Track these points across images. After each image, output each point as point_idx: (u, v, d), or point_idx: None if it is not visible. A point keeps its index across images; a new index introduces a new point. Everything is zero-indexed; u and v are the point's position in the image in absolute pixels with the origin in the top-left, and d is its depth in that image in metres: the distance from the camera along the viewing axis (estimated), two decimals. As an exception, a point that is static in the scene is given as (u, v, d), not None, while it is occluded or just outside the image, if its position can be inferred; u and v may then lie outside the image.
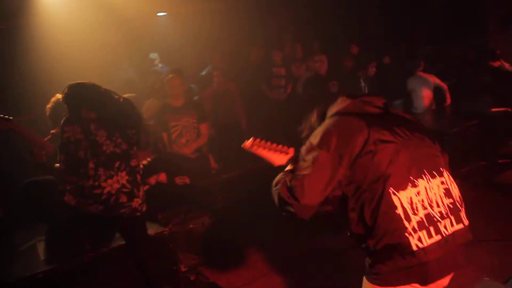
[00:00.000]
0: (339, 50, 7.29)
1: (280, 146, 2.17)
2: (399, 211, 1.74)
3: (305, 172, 1.81)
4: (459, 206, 1.86)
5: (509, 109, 5.72)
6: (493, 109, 5.74)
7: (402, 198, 1.75)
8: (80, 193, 3.05)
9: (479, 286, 2.61)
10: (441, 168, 1.88)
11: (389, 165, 1.77)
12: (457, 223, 1.81)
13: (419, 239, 1.72)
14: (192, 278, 3.96)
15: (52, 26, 5.77)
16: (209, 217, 4.56)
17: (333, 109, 1.99)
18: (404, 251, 1.72)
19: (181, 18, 8.07)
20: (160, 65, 8.09)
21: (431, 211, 1.77)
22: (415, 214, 1.74)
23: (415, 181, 1.78)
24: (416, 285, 1.78)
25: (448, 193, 1.84)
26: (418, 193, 1.77)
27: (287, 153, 2.15)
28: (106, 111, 3.06)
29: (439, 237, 1.75)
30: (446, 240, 1.76)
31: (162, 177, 4.34)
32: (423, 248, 1.72)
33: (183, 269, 3.91)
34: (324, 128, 1.89)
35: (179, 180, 4.51)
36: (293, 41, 7.84)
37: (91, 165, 3.02)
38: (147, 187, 3.66)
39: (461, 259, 1.84)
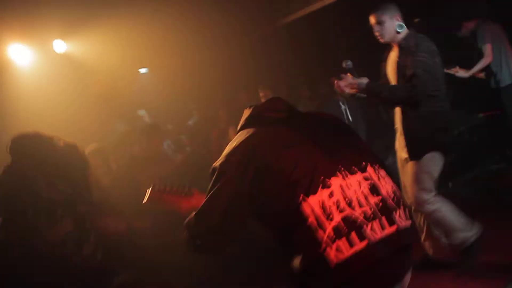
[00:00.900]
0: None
1: (183, 188, 1.95)
2: (312, 219, 1.46)
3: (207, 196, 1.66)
4: (392, 204, 1.55)
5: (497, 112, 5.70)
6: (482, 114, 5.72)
7: (313, 203, 1.47)
8: None
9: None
10: (364, 163, 1.60)
11: (294, 171, 1.54)
12: (390, 224, 1.49)
13: (338, 249, 1.42)
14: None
15: (35, 92, 5.81)
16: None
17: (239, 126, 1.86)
18: (320, 269, 1.44)
19: (163, 72, 8.21)
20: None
21: (351, 212, 1.47)
22: (330, 220, 1.45)
23: (327, 180, 1.51)
24: None
25: (374, 190, 1.54)
26: (332, 193, 1.49)
27: (191, 195, 1.94)
28: (47, 160, 2.95)
29: (364, 243, 1.43)
30: (376, 246, 1.44)
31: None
32: (346, 259, 1.42)
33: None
34: (227, 148, 1.73)
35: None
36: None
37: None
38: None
39: (400, 268, 1.55)
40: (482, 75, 5.41)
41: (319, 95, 6.44)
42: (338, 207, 1.46)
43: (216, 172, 1.66)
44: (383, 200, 1.53)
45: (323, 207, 1.46)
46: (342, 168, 1.55)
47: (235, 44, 8.09)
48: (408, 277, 1.58)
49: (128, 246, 3.67)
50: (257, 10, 7.23)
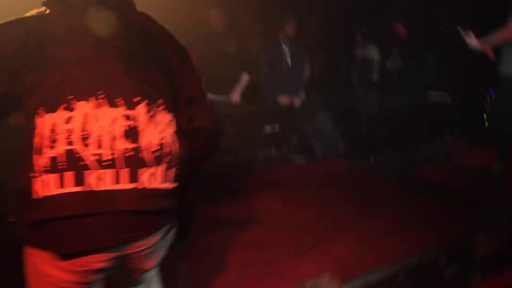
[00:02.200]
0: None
1: None
2: (37, 140, 1.18)
3: None
4: (148, 158, 1.25)
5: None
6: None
7: (46, 123, 1.18)
8: None
9: (313, 281, 2.22)
10: (138, 98, 1.26)
11: (54, 72, 1.20)
12: (130, 180, 1.21)
13: (45, 184, 1.16)
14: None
15: None
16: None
17: None
18: (27, 198, 1.18)
19: None
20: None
21: (81, 149, 1.18)
22: (51, 147, 1.17)
23: (73, 102, 1.19)
24: (51, 254, 1.21)
25: (132, 134, 1.23)
26: (69, 119, 1.18)
27: None
28: None
29: (78, 188, 1.16)
30: (94, 197, 1.17)
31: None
32: (49, 197, 1.15)
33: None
34: None
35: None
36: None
37: None
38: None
39: (119, 232, 1.23)
40: (492, 55, 4.35)
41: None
42: (68, 137, 1.17)
43: None
44: (136, 150, 1.23)
45: (52, 131, 1.18)
46: (101, 95, 1.22)
47: None
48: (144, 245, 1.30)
49: None
50: None
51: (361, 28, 6.28)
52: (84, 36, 1.25)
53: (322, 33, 6.30)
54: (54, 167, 1.16)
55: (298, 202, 3.79)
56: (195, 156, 1.46)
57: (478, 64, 5.13)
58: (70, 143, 1.17)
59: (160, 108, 1.30)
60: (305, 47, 5.24)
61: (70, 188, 1.16)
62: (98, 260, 1.22)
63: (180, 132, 1.36)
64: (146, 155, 1.25)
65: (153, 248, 1.33)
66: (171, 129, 1.32)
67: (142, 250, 1.31)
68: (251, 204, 3.77)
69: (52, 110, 1.18)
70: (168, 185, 1.30)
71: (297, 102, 4.98)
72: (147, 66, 1.32)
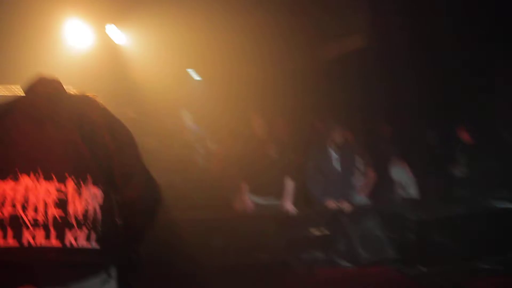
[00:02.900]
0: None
1: None
2: None
3: None
4: (73, 223, 1.58)
5: None
6: None
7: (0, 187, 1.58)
8: None
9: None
10: (66, 174, 1.61)
11: (8, 147, 1.62)
12: (56, 238, 1.55)
13: None
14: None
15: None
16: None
17: None
18: None
19: (218, 80, 8.42)
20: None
21: (21, 213, 1.55)
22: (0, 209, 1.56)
23: (19, 174, 1.58)
24: None
25: (62, 204, 1.58)
26: (14, 188, 1.57)
27: None
28: None
29: (15, 242, 1.52)
30: (27, 249, 1.52)
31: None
32: None
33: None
34: None
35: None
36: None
37: None
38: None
39: (56, 280, 1.54)
40: None
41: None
42: (12, 202, 1.56)
43: None
44: (63, 216, 1.58)
45: (3, 195, 1.57)
46: (40, 171, 1.60)
47: (299, 63, 8.09)
48: None
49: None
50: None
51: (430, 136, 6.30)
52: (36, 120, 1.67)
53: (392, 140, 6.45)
54: (1, 224, 1.53)
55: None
56: (132, 222, 1.75)
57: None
58: (13, 207, 1.55)
59: (88, 183, 1.63)
60: (358, 153, 5.45)
61: (8, 241, 1.52)
62: None
63: (109, 203, 1.66)
64: (70, 220, 1.57)
65: None
66: (96, 201, 1.63)
67: None
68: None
69: (2, 178, 1.57)
70: (88, 245, 1.58)
71: (346, 206, 5.09)
72: (81, 147, 1.66)
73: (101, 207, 1.64)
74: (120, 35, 7.04)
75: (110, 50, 7.14)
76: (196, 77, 8.81)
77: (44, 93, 1.76)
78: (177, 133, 6.69)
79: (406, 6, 6.41)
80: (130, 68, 7.29)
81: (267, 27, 6.76)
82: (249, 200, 4.92)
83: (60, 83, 1.83)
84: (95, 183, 1.64)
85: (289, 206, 4.99)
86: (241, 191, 4.94)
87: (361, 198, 5.39)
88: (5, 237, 1.53)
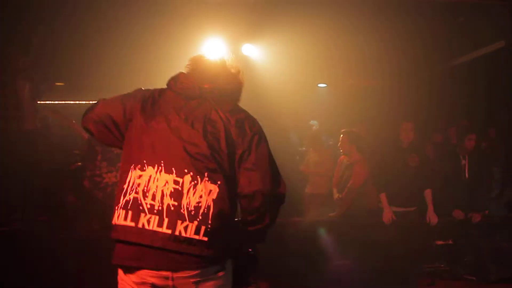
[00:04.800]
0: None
1: None
2: (126, 185, 1.80)
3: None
4: (184, 215, 1.72)
5: None
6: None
7: (132, 175, 1.79)
8: (91, 179, 3.85)
9: None
10: (186, 170, 1.76)
11: (142, 143, 1.83)
12: (168, 227, 1.71)
13: (118, 216, 1.76)
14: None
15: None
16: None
17: None
18: (112, 220, 1.80)
19: (341, 90, 8.58)
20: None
21: (141, 198, 1.74)
22: (129, 193, 1.77)
23: (145, 166, 1.78)
24: (122, 270, 1.81)
25: (176, 195, 1.74)
26: (140, 176, 1.77)
27: None
28: None
29: (132, 224, 1.72)
30: (140, 232, 1.71)
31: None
32: (116, 225, 1.76)
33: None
34: None
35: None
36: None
37: (98, 157, 3.80)
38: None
39: (161, 262, 1.72)
40: None
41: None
42: (136, 188, 1.77)
43: None
44: (177, 206, 1.74)
45: (133, 182, 1.79)
46: (163, 164, 1.78)
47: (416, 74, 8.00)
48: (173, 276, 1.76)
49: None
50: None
51: None
52: (170, 119, 1.84)
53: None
54: (125, 206, 1.75)
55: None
56: (249, 216, 1.84)
57: None
58: (136, 193, 1.75)
59: (204, 179, 1.76)
60: (493, 161, 5.20)
61: (126, 222, 1.73)
62: (152, 276, 1.74)
63: (225, 198, 1.77)
64: (182, 212, 1.72)
65: (196, 282, 1.76)
66: (211, 196, 1.75)
67: (186, 278, 1.74)
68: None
69: (135, 169, 1.78)
70: (198, 237, 1.71)
71: (476, 218, 4.89)
72: (204, 145, 1.80)
73: (215, 202, 1.76)
74: (254, 52, 7.51)
75: (245, 67, 7.65)
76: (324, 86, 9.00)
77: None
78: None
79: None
80: (262, 84, 7.74)
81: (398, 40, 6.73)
82: (390, 211, 4.83)
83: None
84: (210, 179, 1.77)
85: (434, 219, 4.82)
86: (382, 201, 4.89)
87: (495, 209, 5.13)
88: (126, 218, 1.74)
